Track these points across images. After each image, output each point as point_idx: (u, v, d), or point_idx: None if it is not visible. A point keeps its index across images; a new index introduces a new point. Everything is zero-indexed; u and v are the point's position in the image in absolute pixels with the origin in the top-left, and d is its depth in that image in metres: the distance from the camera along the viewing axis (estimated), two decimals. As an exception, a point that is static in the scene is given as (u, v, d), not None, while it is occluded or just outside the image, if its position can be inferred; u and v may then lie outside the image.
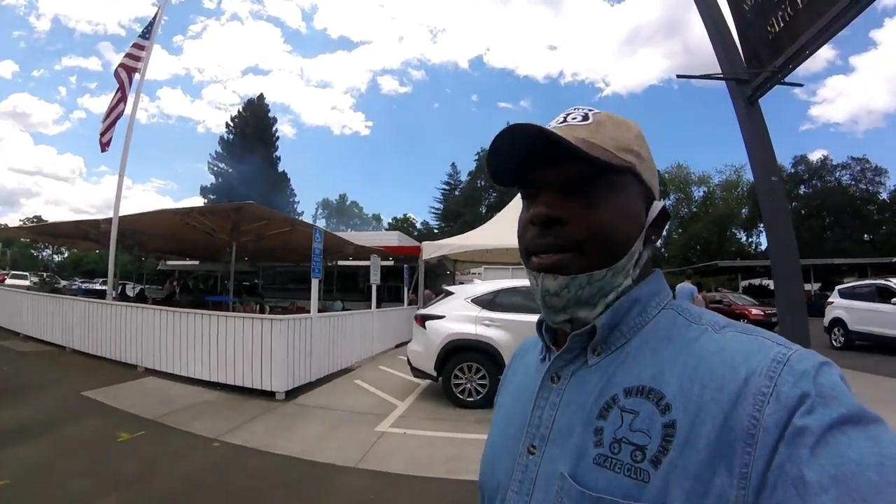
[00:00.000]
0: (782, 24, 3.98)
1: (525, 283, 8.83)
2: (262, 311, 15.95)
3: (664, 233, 0.87)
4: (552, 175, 0.78)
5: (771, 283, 37.22)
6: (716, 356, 0.67)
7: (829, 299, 16.50)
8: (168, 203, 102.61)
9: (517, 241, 0.84)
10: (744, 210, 57.59)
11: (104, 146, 13.46)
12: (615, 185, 0.77)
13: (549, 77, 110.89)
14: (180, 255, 27.94)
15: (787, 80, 4.15)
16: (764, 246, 56.77)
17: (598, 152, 0.74)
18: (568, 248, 0.76)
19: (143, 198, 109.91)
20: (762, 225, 56.61)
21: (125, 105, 13.31)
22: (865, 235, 52.80)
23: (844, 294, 15.97)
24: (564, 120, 0.82)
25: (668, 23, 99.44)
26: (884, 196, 53.51)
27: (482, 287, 8.88)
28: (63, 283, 24.40)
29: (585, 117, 0.80)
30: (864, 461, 0.52)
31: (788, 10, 3.89)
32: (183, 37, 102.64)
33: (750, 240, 60.21)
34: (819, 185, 54.75)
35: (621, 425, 0.68)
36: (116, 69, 13.34)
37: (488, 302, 8.39)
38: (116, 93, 13.35)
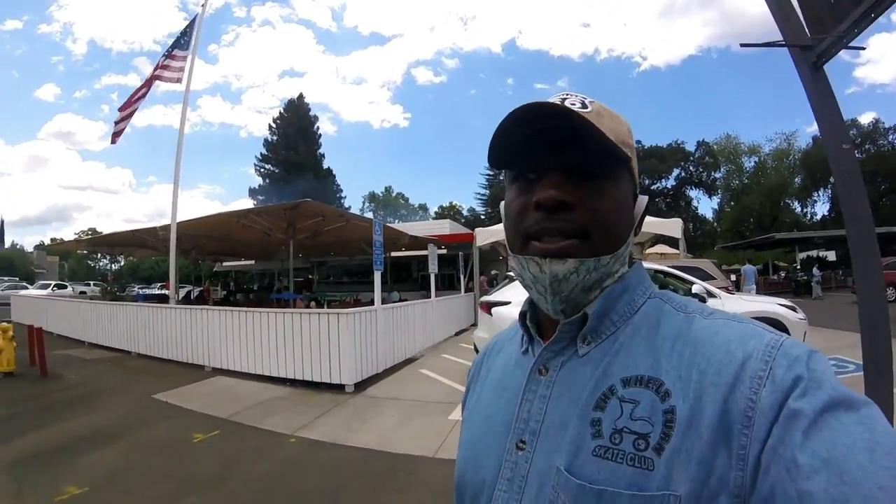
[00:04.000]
0: (846, -13, 3.77)
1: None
2: (318, 307, 16.00)
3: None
4: (558, 159, 0.76)
5: (829, 255, 37.00)
6: (710, 342, 0.67)
7: None
8: (217, 207, 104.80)
9: (507, 227, 0.82)
10: (797, 179, 55.69)
11: (114, 138, 14.56)
12: (614, 175, 0.77)
13: (585, 55, 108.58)
14: (236, 257, 28.34)
15: (851, 43, 3.96)
16: (819, 216, 55.37)
17: (608, 140, 0.72)
18: (575, 234, 0.74)
19: (193, 203, 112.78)
20: (816, 194, 55.31)
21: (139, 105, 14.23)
22: (924, 201, 49.74)
23: None
24: (562, 104, 0.76)
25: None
26: (942, 160, 50.43)
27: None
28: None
29: (584, 105, 0.77)
30: (855, 445, 0.53)
31: (852, -28, 3.68)
32: (217, 46, 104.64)
33: (805, 210, 58.22)
34: (872, 149, 51.79)
35: (621, 415, 0.67)
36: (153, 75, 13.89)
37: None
38: (138, 92, 14.13)
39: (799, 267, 35.19)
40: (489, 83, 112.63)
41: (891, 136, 52.95)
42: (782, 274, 36.14)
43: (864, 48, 4.26)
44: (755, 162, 58.84)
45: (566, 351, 0.77)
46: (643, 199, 0.83)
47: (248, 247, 21.22)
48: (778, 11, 4.31)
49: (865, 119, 54.72)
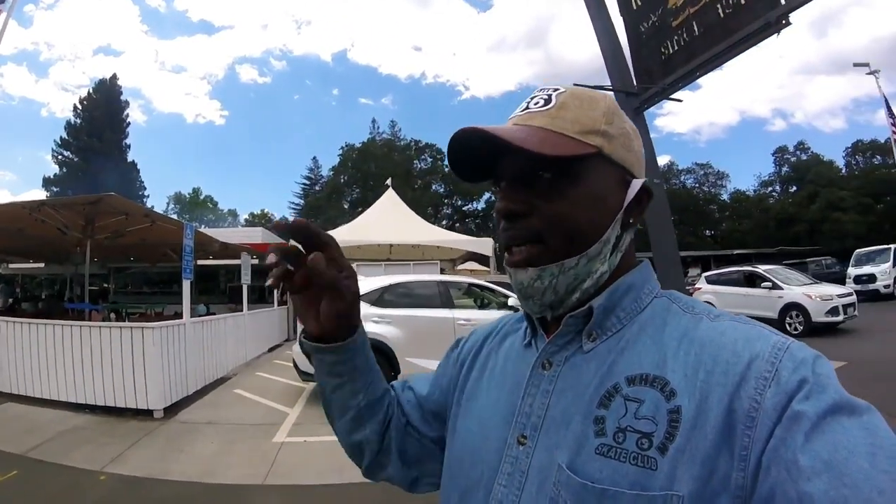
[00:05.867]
0: (676, 48, 4.41)
1: (411, 278, 8.77)
2: (118, 320, 14.82)
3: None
4: (510, 167, 0.78)
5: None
6: (717, 342, 0.67)
7: (697, 286, 18.01)
8: (6, 197, 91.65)
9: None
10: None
11: None
12: (578, 171, 0.75)
13: (412, 77, 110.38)
14: (25, 258, 25.39)
15: (672, 95, 4.60)
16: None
17: (550, 146, 0.73)
18: (532, 240, 0.76)
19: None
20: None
21: None
22: (707, 231, 59.24)
23: (711, 280, 17.55)
24: (526, 107, 0.80)
25: (533, 33, 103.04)
26: (724, 197, 61.68)
27: (368, 283, 8.69)
28: None
29: (548, 101, 0.79)
30: (856, 449, 0.53)
31: (685, 35, 4.29)
32: (35, 7, 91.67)
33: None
34: (665, 187, 58.67)
35: (625, 414, 0.67)
36: None
37: (376, 299, 8.34)
38: None
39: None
40: (314, 91, 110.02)
41: (683, 177, 62.89)
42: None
43: (681, 100, 4.93)
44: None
45: (570, 346, 0.78)
46: (636, 183, 0.80)
47: (39, 246, 18.76)
48: (611, 60, 4.89)
49: (661, 161, 63.14)
